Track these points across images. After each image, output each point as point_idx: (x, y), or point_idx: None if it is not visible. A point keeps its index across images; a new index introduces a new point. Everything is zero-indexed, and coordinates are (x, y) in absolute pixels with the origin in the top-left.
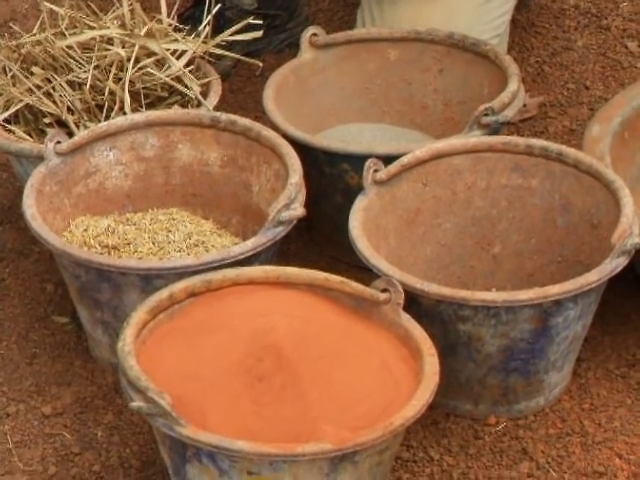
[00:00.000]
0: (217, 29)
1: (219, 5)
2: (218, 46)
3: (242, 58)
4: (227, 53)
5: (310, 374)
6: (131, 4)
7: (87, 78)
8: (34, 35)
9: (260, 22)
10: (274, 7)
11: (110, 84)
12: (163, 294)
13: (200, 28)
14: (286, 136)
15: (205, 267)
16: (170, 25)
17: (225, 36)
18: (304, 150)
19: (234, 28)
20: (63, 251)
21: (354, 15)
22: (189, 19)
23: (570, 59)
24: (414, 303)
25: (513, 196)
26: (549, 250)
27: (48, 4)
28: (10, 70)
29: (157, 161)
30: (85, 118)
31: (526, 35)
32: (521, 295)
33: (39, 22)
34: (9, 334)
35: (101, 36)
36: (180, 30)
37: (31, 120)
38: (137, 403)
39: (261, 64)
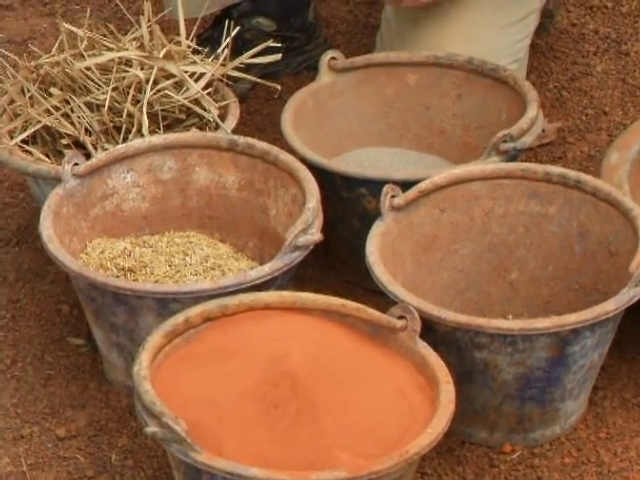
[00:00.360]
0: (235, 51)
1: (238, 28)
2: (236, 69)
3: (260, 81)
4: (245, 76)
5: (325, 401)
6: (150, 26)
7: (105, 100)
8: (53, 56)
9: (279, 45)
10: (293, 29)
11: (128, 106)
12: (179, 319)
13: (219, 51)
14: (304, 160)
15: (221, 291)
16: (189, 47)
17: (244, 59)
18: (322, 174)
19: (253, 51)
20: (79, 274)
21: (373, 38)
22: (207, 40)
23: (589, 84)
24: (430, 330)
25: (531, 223)
26: (566, 277)
27: (67, 25)
28: (28, 91)
29: (174, 184)
30: (103, 140)
31: (545, 60)
32: (538, 324)
33: (58, 43)
34: (24, 355)
35: (120, 58)
36: (199, 52)
37: (49, 141)
38: (152, 428)
39: (279, 87)
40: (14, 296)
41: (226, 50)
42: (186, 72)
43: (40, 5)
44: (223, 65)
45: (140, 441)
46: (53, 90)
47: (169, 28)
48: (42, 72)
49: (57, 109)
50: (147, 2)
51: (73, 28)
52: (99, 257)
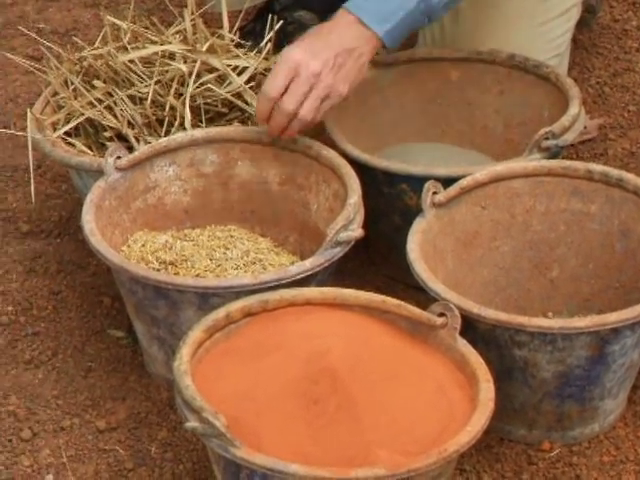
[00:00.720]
0: (277, 44)
1: (281, 22)
2: None
3: None
4: None
5: (365, 397)
6: (193, 19)
7: (148, 93)
8: (96, 48)
9: None
10: None
11: (171, 99)
12: (220, 313)
13: (262, 44)
14: (345, 155)
15: (262, 286)
16: (232, 41)
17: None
18: (363, 169)
19: None
20: (121, 267)
21: (415, 32)
22: (250, 33)
23: (631, 81)
24: (470, 327)
25: (572, 220)
26: (607, 275)
27: (111, 18)
28: (72, 83)
29: (216, 177)
30: (145, 133)
31: (587, 55)
32: (578, 322)
33: (101, 35)
34: (65, 347)
35: (163, 51)
36: (242, 46)
37: (92, 133)
38: (192, 423)
39: None
40: (55, 288)
41: (269, 44)
42: (229, 66)
43: None
44: (266, 59)
45: (180, 434)
46: (96, 82)
47: (212, 20)
48: (85, 64)
49: (100, 102)
50: None
51: (117, 21)
52: (140, 250)
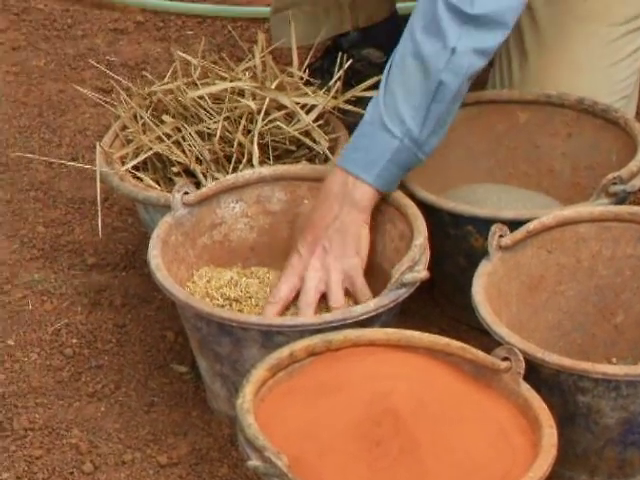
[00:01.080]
0: (345, 81)
1: (350, 60)
2: (347, 101)
3: None
4: (355, 109)
5: (428, 440)
6: (263, 56)
7: (217, 129)
8: (166, 83)
9: None
10: None
11: (239, 136)
12: (284, 352)
13: (331, 83)
14: (412, 195)
15: (326, 326)
16: (301, 78)
17: (357, 92)
18: (429, 210)
19: (365, 84)
20: (186, 303)
21: (485, 72)
22: (318, 70)
23: None
24: (534, 371)
25: (638, 266)
26: None
27: (181, 53)
28: (141, 117)
29: (283, 215)
30: (213, 169)
31: None
32: None
33: (171, 70)
34: (128, 381)
35: (232, 87)
36: (310, 83)
37: (159, 168)
38: (254, 462)
39: None
40: (120, 321)
41: (338, 83)
42: (297, 103)
43: (154, 30)
44: (335, 98)
45: (241, 472)
46: (165, 118)
47: (280, 57)
48: (155, 99)
49: (169, 137)
50: (261, 33)
51: (187, 56)
52: (205, 286)
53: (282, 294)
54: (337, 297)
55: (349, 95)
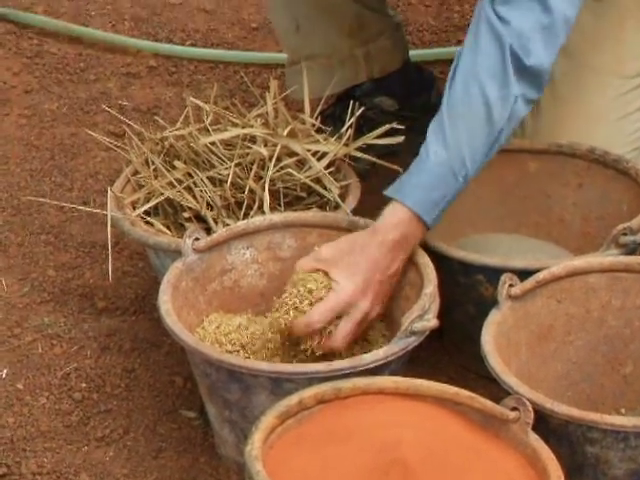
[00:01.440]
0: (357, 129)
1: (362, 108)
2: (358, 148)
3: (380, 162)
4: (367, 157)
5: None
6: (275, 102)
7: (228, 175)
8: (178, 129)
9: (402, 127)
10: (415, 110)
11: (251, 183)
12: (292, 400)
13: (342, 130)
14: (422, 244)
15: (335, 374)
16: (313, 126)
17: (368, 139)
18: (439, 259)
19: (376, 132)
20: (195, 349)
21: None
22: (330, 117)
23: None
24: (542, 421)
25: None
26: None
27: (193, 99)
28: (153, 163)
29: (293, 262)
30: (224, 215)
31: None
32: None
33: (183, 115)
34: (137, 426)
35: (244, 134)
36: (322, 131)
37: (170, 213)
38: None
39: (400, 169)
40: (129, 365)
41: (349, 130)
42: (309, 150)
43: (166, 74)
44: (346, 145)
45: None
46: (177, 163)
47: (292, 103)
48: (167, 144)
49: (180, 182)
50: (274, 80)
51: (199, 102)
52: (215, 332)
53: (325, 316)
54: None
55: (360, 143)
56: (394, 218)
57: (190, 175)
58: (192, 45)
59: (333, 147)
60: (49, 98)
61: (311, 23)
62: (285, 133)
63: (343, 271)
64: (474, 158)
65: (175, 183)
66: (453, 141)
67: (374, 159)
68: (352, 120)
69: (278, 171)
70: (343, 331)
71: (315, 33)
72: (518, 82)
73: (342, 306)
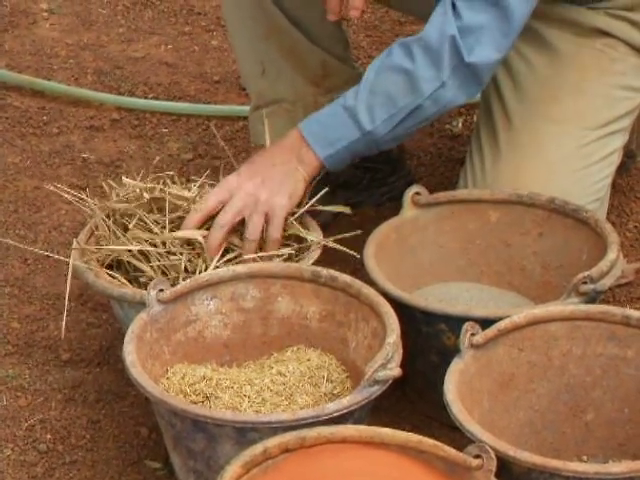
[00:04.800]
0: (320, 180)
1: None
2: (320, 198)
3: (343, 209)
4: (325, 208)
5: None
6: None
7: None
8: (127, 201)
9: (349, 213)
10: (377, 161)
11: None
12: (257, 449)
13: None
14: (385, 293)
15: (300, 423)
16: None
17: (316, 206)
18: (402, 308)
19: (329, 208)
20: (160, 400)
21: (456, 171)
22: None
23: None
24: (505, 469)
25: (608, 365)
26: None
27: (128, 179)
28: (114, 221)
29: (256, 312)
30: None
31: (626, 200)
32: (613, 468)
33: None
34: (102, 477)
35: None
36: None
37: (131, 270)
38: None
39: (349, 210)
40: (94, 417)
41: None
42: None
43: (129, 127)
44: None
45: None
46: (130, 232)
47: (255, 148)
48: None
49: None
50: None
51: (135, 182)
52: (179, 382)
53: (209, 204)
54: (255, 229)
55: (307, 207)
56: (290, 135)
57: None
58: (155, 98)
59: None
60: (12, 151)
61: (277, 68)
62: None
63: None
64: (386, 120)
65: (131, 247)
66: (366, 94)
67: (326, 208)
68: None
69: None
70: (224, 209)
71: (280, 78)
72: (453, 72)
73: (223, 190)
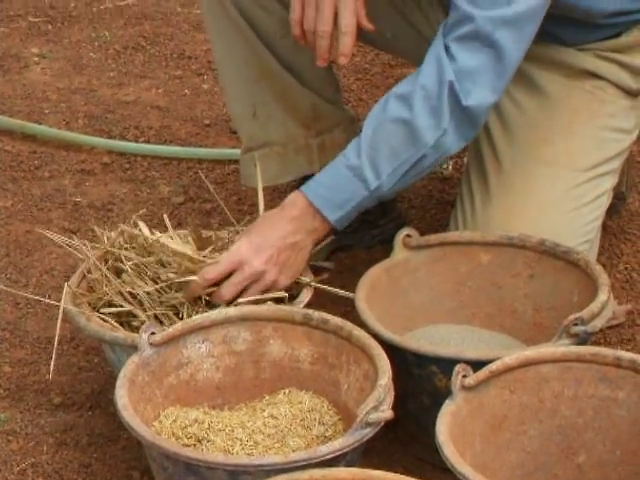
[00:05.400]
0: None
1: None
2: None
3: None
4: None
5: None
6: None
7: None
8: (121, 247)
9: (330, 268)
10: None
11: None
12: None
13: None
14: (376, 336)
15: (292, 466)
16: None
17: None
18: (393, 350)
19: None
20: (152, 443)
21: (446, 213)
22: None
23: None
24: None
25: (600, 406)
26: (634, 462)
27: (127, 228)
28: (105, 263)
29: (248, 355)
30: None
31: (616, 241)
32: None
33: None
34: None
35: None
36: None
37: (123, 314)
38: None
39: (332, 266)
40: (86, 460)
41: None
42: None
43: (120, 171)
44: None
45: None
46: (124, 276)
47: (245, 197)
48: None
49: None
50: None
51: (135, 231)
52: (171, 425)
53: (220, 271)
54: (249, 295)
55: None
56: (296, 203)
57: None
58: (146, 142)
59: None
60: (4, 195)
61: (268, 111)
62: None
63: (243, 236)
64: (390, 174)
65: (123, 292)
66: (368, 151)
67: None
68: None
69: None
70: (230, 282)
71: (271, 121)
72: (451, 117)
73: (234, 262)
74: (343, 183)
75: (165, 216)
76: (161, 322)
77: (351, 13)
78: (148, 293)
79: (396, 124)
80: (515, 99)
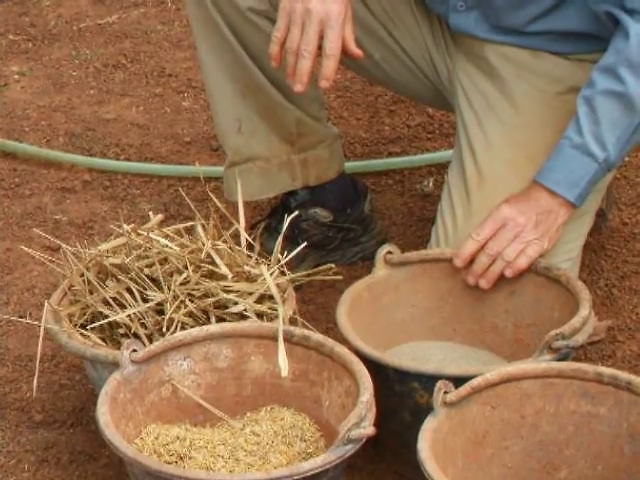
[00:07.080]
0: (291, 239)
1: (295, 213)
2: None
3: (318, 276)
4: (316, 277)
5: None
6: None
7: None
8: (110, 254)
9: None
10: (349, 220)
11: (182, 318)
12: None
13: (274, 267)
14: (358, 352)
15: None
16: (249, 256)
17: (301, 275)
18: (375, 367)
19: (314, 271)
20: (134, 460)
21: (427, 230)
22: (265, 229)
23: None
24: None
25: (581, 422)
26: (615, 478)
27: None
28: (88, 279)
29: (230, 372)
30: (156, 335)
31: (596, 258)
32: None
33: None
34: None
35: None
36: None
37: (106, 327)
38: None
39: (341, 277)
40: (67, 478)
41: (279, 244)
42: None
43: (101, 188)
44: (282, 274)
45: None
46: (109, 283)
47: (226, 215)
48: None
49: (115, 298)
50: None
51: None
52: (153, 443)
53: (486, 232)
54: (514, 249)
55: (295, 276)
56: (537, 196)
57: (129, 289)
58: (126, 159)
59: (269, 275)
60: None
61: (253, 125)
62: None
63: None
64: (614, 143)
65: (109, 300)
66: (589, 127)
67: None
68: (289, 256)
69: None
70: (513, 246)
71: (256, 136)
72: None
73: (498, 218)
74: (573, 163)
75: (159, 215)
76: (145, 327)
77: (337, 37)
78: (132, 293)
79: (608, 96)
80: (500, 117)
